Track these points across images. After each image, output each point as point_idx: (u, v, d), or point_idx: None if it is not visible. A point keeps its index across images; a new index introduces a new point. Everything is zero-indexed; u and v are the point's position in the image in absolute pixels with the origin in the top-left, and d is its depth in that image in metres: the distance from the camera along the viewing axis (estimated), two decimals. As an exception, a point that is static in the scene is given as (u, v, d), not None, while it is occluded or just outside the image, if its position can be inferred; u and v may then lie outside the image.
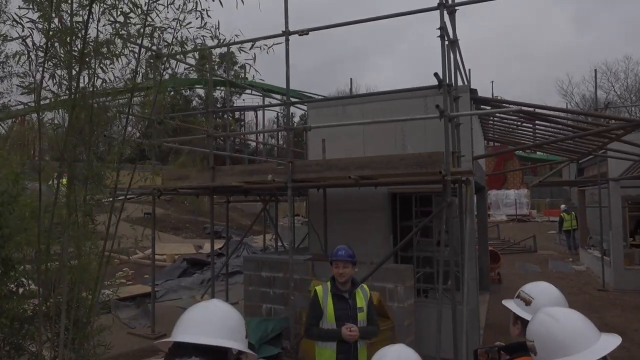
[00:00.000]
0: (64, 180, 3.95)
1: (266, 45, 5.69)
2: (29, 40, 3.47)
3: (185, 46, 4.24)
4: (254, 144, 35.21)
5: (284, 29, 6.33)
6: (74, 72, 3.67)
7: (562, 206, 18.66)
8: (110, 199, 4.30)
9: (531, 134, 9.15)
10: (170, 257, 13.37)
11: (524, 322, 2.10)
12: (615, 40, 63.71)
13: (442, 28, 5.44)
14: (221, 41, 4.21)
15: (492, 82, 22.13)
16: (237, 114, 37.03)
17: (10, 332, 3.89)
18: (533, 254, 18.71)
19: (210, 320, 1.31)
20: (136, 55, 4.10)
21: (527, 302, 2.12)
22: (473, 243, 7.05)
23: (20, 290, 4.01)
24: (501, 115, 8.13)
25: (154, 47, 4.27)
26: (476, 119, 8.33)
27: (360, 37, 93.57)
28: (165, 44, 4.16)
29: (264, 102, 12.13)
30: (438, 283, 5.66)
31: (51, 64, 3.60)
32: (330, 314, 3.65)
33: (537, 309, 2.07)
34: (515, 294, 2.24)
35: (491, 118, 10.08)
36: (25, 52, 3.48)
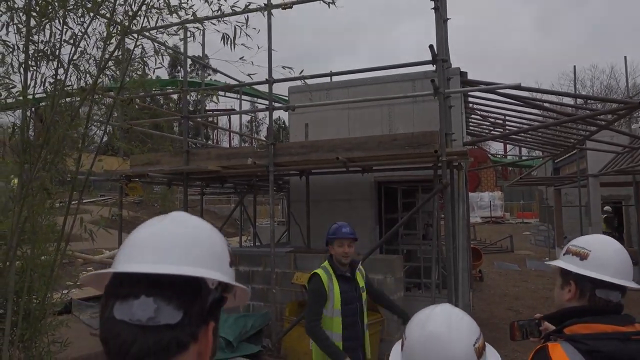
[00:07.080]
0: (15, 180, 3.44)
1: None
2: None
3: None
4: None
5: (265, 2, 5.90)
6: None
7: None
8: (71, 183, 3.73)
9: (515, 124, 8.96)
10: (139, 258, 12.56)
11: (580, 282, 1.70)
12: (580, 48, 65.96)
13: (437, -1, 5.13)
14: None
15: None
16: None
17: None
18: (510, 253, 18.76)
19: (173, 238, 0.76)
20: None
21: (583, 257, 1.71)
22: (466, 231, 6.74)
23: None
24: (488, 105, 7.90)
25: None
26: (462, 109, 8.09)
27: (317, 38, 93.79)
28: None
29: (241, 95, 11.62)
30: (431, 276, 5.31)
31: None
32: (337, 298, 3.28)
33: (597, 263, 1.68)
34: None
35: (472, 114, 9.88)
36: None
